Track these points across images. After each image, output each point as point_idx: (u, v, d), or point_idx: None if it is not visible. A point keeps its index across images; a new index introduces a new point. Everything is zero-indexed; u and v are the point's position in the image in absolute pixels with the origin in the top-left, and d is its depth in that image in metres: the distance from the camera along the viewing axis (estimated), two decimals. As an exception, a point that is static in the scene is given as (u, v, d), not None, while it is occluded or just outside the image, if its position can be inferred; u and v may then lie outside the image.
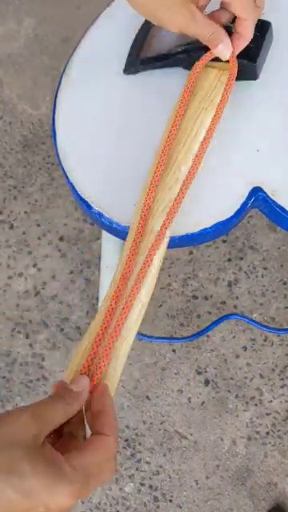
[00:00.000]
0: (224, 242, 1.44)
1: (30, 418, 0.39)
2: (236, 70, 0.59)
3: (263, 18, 0.62)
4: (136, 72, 0.66)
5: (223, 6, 0.57)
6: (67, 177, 0.63)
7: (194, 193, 0.59)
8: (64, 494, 0.37)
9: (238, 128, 0.62)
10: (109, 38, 0.69)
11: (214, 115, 0.58)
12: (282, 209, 0.59)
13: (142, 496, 1.29)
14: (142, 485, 1.30)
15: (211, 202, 0.59)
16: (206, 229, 0.59)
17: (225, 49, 0.57)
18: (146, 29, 0.67)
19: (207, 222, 0.59)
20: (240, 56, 0.60)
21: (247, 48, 0.60)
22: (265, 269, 1.42)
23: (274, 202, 0.59)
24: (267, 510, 1.27)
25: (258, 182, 0.60)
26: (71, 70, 0.69)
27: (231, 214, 0.59)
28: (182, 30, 0.55)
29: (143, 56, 0.66)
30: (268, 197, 0.59)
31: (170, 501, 1.29)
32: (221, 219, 0.59)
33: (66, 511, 0.38)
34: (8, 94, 1.64)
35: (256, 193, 0.59)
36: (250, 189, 0.59)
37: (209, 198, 0.59)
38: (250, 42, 0.60)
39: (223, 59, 0.58)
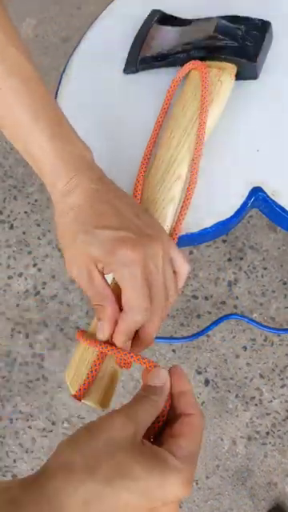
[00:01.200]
0: (224, 241, 1.44)
1: (125, 419, 0.39)
2: None
3: (264, 18, 0.62)
4: (136, 71, 0.67)
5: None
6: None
7: (193, 193, 0.59)
8: (177, 485, 0.38)
9: (238, 128, 0.62)
10: (109, 37, 0.69)
11: (201, 112, 0.58)
12: (282, 209, 0.59)
13: (141, 496, 1.29)
14: (142, 485, 1.30)
15: (211, 202, 0.59)
16: (206, 229, 0.59)
17: (99, 329, 0.49)
18: (146, 29, 0.67)
19: (207, 222, 0.59)
20: (240, 55, 0.60)
21: (247, 47, 0.60)
22: (265, 269, 1.42)
23: (273, 201, 0.59)
24: (267, 509, 1.27)
25: (257, 182, 0.60)
26: (71, 69, 0.69)
27: (231, 213, 0.59)
28: (77, 284, 0.50)
29: (143, 55, 0.66)
30: (268, 197, 0.59)
31: (170, 501, 1.29)
32: (221, 219, 0.59)
33: (182, 499, 0.39)
34: (8, 93, 1.64)
35: (256, 193, 0.59)
36: (250, 189, 0.59)
37: (209, 197, 0.59)
38: (250, 42, 0.60)
39: (98, 337, 0.50)
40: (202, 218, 0.58)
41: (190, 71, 0.62)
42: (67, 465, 0.37)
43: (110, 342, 0.50)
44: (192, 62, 0.61)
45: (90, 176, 0.49)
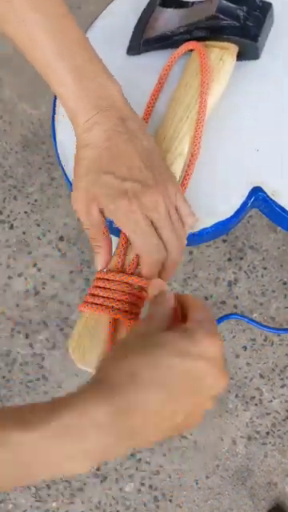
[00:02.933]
0: (224, 241, 1.44)
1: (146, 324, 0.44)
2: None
3: None
4: (139, 53, 0.67)
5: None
6: (67, 176, 0.63)
7: (193, 193, 0.59)
8: (206, 340, 0.43)
9: (238, 128, 0.62)
10: (108, 37, 0.69)
11: (201, 90, 0.59)
12: (282, 209, 0.59)
13: (141, 496, 1.30)
14: (142, 484, 1.30)
15: (211, 202, 0.59)
16: (205, 228, 0.59)
17: (95, 260, 0.54)
18: (149, 11, 0.67)
19: (207, 222, 0.59)
20: (241, 35, 0.61)
21: (248, 27, 0.61)
22: (265, 269, 1.42)
23: (273, 201, 0.59)
24: (267, 509, 1.27)
25: (257, 181, 0.60)
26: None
27: (231, 213, 0.59)
28: (76, 213, 0.54)
29: (146, 37, 0.66)
30: (268, 197, 0.59)
31: (170, 500, 1.29)
32: (221, 219, 0.59)
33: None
34: (8, 93, 1.64)
35: (256, 193, 0.59)
36: (249, 189, 0.59)
37: (209, 197, 0.59)
38: (252, 22, 0.61)
39: (96, 267, 0.55)
40: (201, 217, 0.58)
41: (192, 51, 0.62)
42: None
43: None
44: (188, 42, 0.62)
45: (111, 116, 0.51)
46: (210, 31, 0.62)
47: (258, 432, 1.31)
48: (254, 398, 1.33)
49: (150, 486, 1.30)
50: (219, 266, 1.42)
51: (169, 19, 0.65)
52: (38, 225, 1.49)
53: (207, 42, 0.62)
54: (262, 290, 1.40)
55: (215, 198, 0.59)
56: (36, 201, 1.51)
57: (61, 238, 1.47)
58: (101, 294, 0.52)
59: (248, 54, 0.62)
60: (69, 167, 0.63)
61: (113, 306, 0.51)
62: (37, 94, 1.63)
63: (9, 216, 1.50)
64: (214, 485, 1.29)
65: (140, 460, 1.31)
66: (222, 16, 0.61)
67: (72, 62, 0.50)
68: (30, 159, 1.55)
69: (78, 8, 1.69)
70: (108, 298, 0.51)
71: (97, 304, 0.52)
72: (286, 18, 0.65)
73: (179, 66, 0.63)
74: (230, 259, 1.43)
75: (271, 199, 0.59)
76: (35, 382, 1.38)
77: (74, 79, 0.50)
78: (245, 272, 1.42)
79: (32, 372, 1.38)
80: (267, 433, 1.31)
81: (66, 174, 0.63)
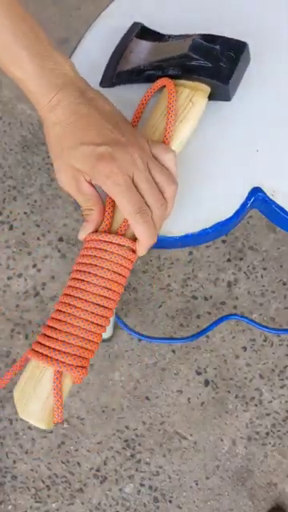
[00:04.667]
0: (224, 242, 1.44)
1: None
2: None
3: (241, 38, 0.60)
4: (112, 85, 0.65)
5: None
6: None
7: (193, 193, 0.59)
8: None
9: (238, 128, 0.62)
10: (108, 38, 0.69)
11: (165, 132, 0.57)
12: (282, 209, 0.59)
13: (141, 497, 1.29)
14: (142, 485, 1.30)
15: (211, 203, 0.59)
16: (205, 229, 0.59)
17: (83, 228, 0.55)
18: (125, 42, 0.65)
19: (207, 222, 0.59)
20: (212, 77, 0.59)
21: (220, 69, 0.59)
22: (264, 269, 1.42)
23: (273, 202, 0.59)
24: (267, 510, 1.27)
25: (257, 182, 0.60)
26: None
27: (231, 214, 0.59)
28: (67, 192, 0.55)
29: (120, 69, 0.65)
30: (267, 197, 0.59)
31: (170, 501, 1.29)
32: (220, 219, 0.59)
33: None
34: (7, 94, 1.64)
35: (255, 193, 0.59)
36: (249, 189, 0.59)
37: (208, 198, 0.59)
38: (224, 63, 0.59)
39: (79, 237, 0.56)
40: (201, 218, 0.58)
41: (163, 88, 0.61)
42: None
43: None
44: (162, 79, 0.60)
45: (72, 92, 0.53)
46: (182, 70, 0.60)
47: (257, 432, 1.31)
48: (253, 398, 1.33)
49: (150, 487, 1.30)
50: (219, 267, 1.42)
51: (143, 52, 0.64)
52: (38, 225, 1.49)
53: (179, 81, 0.60)
54: (261, 290, 1.40)
55: (215, 199, 0.59)
56: (35, 201, 1.51)
57: (60, 239, 1.47)
58: (48, 342, 0.51)
59: (219, 95, 0.61)
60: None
61: (58, 360, 0.50)
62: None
63: (8, 217, 1.50)
64: (214, 485, 1.29)
65: (140, 461, 1.31)
66: (194, 55, 0.59)
67: (28, 43, 0.52)
68: (30, 160, 1.56)
69: (77, 9, 1.69)
70: (54, 349, 0.50)
71: (44, 355, 0.51)
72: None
73: (152, 100, 0.62)
74: (229, 260, 1.43)
75: (271, 199, 0.59)
76: (35, 382, 1.37)
77: (32, 60, 0.52)
78: (244, 272, 1.42)
79: (32, 373, 1.38)
80: (267, 433, 1.31)
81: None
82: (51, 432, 1.34)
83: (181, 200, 0.57)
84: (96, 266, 0.52)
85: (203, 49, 0.59)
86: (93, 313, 0.51)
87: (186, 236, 0.59)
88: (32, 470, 1.32)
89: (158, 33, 0.65)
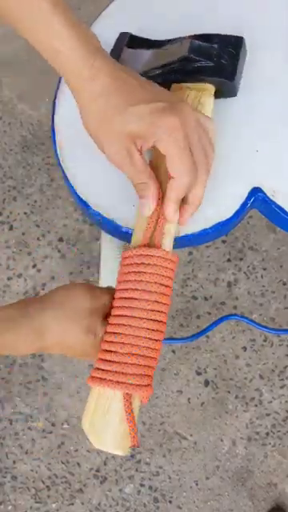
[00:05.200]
0: (224, 242, 1.44)
1: None
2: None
3: (235, 33, 0.60)
4: None
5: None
6: (66, 177, 0.63)
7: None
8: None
9: (238, 129, 0.62)
10: (107, 38, 0.69)
11: None
12: (282, 209, 0.59)
13: (141, 497, 1.29)
14: (142, 486, 1.30)
15: (211, 203, 0.59)
16: (205, 229, 0.59)
17: (144, 205, 0.53)
18: (117, 53, 0.64)
19: (207, 223, 0.59)
20: (217, 75, 0.59)
21: (223, 66, 0.58)
22: (264, 269, 1.42)
23: (273, 202, 0.59)
24: (267, 510, 1.27)
25: (257, 182, 0.60)
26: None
27: (231, 214, 0.59)
28: (117, 167, 0.53)
29: None
30: (267, 197, 0.59)
31: (170, 502, 1.29)
32: (220, 220, 0.59)
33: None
34: (7, 94, 1.64)
35: (255, 193, 0.59)
36: (249, 189, 0.59)
37: (208, 198, 0.59)
38: (226, 60, 0.59)
39: (141, 215, 0.54)
40: (201, 218, 0.58)
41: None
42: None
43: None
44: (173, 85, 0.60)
45: (108, 59, 0.52)
46: (184, 73, 0.59)
47: (257, 433, 1.31)
48: (253, 398, 1.33)
49: (150, 487, 1.30)
50: (219, 267, 1.42)
51: (139, 61, 0.62)
52: (38, 226, 1.49)
53: (183, 84, 0.60)
54: (261, 290, 1.40)
55: (215, 199, 0.59)
56: (35, 202, 1.51)
57: (60, 239, 1.47)
58: (110, 367, 0.50)
59: (225, 92, 0.61)
60: (69, 168, 0.63)
61: (125, 382, 0.49)
62: (36, 95, 1.63)
63: (8, 217, 1.50)
64: (214, 486, 1.29)
65: (140, 461, 1.31)
66: (194, 57, 0.59)
67: (65, 13, 0.50)
68: (30, 160, 1.56)
69: (77, 9, 1.69)
70: (117, 372, 0.49)
71: (108, 380, 0.49)
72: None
73: None
74: (229, 260, 1.43)
75: (271, 200, 0.59)
76: (35, 383, 1.38)
77: (69, 32, 0.50)
78: (244, 273, 1.42)
79: (32, 373, 1.38)
80: (267, 433, 1.31)
81: (65, 175, 0.63)
82: (51, 432, 1.34)
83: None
84: (142, 281, 0.51)
85: (202, 49, 0.59)
86: (148, 329, 0.50)
87: (186, 236, 0.59)
88: (32, 470, 1.32)
89: (149, 39, 0.64)
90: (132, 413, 0.49)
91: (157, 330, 0.50)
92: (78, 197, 0.62)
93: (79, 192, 0.62)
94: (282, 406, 1.32)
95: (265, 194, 0.59)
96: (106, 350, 0.50)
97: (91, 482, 1.31)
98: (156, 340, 0.50)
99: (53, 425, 1.35)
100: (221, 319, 1.26)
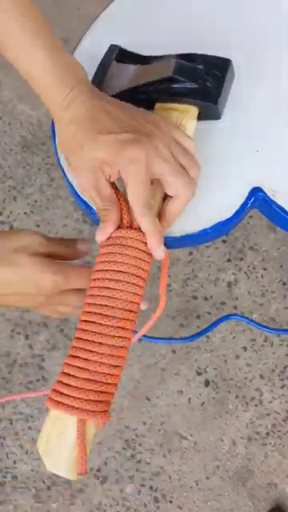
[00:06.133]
0: (224, 242, 1.44)
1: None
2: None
3: (223, 55, 0.59)
4: None
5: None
6: (67, 177, 0.63)
7: (193, 193, 0.59)
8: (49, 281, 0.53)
9: (238, 128, 0.62)
10: (108, 38, 0.69)
11: None
12: (282, 209, 0.59)
13: (142, 497, 1.29)
14: (143, 486, 1.30)
15: (211, 203, 0.59)
16: (205, 229, 0.59)
17: (101, 229, 0.53)
18: (105, 66, 0.63)
19: (207, 223, 0.59)
20: (201, 98, 0.58)
21: (207, 89, 0.58)
22: (264, 269, 1.42)
23: (273, 202, 0.59)
24: (267, 510, 1.27)
25: (257, 182, 0.60)
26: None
27: (231, 214, 0.59)
28: (85, 191, 0.54)
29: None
30: (268, 197, 0.59)
31: (170, 501, 1.29)
32: (221, 219, 0.59)
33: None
34: (7, 94, 1.64)
35: (256, 193, 0.59)
36: (249, 189, 0.59)
37: (208, 198, 0.59)
38: (210, 83, 0.58)
39: (96, 238, 0.54)
40: (201, 218, 0.58)
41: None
42: None
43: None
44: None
45: (85, 89, 0.54)
46: (168, 94, 0.59)
47: (258, 433, 1.31)
48: (254, 398, 1.33)
49: (151, 487, 1.30)
50: (219, 267, 1.42)
51: (125, 76, 0.61)
52: (38, 225, 1.49)
53: (166, 105, 0.59)
54: (261, 290, 1.40)
55: (215, 199, 0.59)
56: (36, 201, 1.51)
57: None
58: (66, 390, 0.49)
59: (209, 114, 0.60)
60: (69, 168, 0.63)
61: (80, 408, 0.48)
62: (36, 95, 1.63)
63: (9, 217, 1.50)
64: (214, 486, 1.29)
65: (140, 461, 1.31)
66: (179, 78, 0.58)
67: (43, 42, 0.53)
68: (30, 160, 1.56)
69: (77, 9, 1.69)
70: (74, 397, 0.48)
71: (64, 404, 0.48)
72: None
73: None
74: (229, 260, 1.43)
75: (271, 199, 0.59)
76: (35, 382, 1.38)
77: (47, 60, 0.53)
78: (245, 273, 1.42)
79: (32, 373, 1.38)
80: (267, 433, 1.31)
81: (65, 175, 0.63)
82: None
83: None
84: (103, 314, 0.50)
85: (188, 70, 0.58)
86: (109, 355, 0.49)
87: (186, 236, 0.59)
88: (32, 470, 1.32)
89: (137, 54, 0.63)
90: (84, 440, 0.48)
91: (118, 356, 0.50)
92: (79, 196, 0.62)
93: (79, 192, 0.62)
94: (282, 405, 1.32)
95: (265, 193, 0.59)
96: (65, 373, 0.50)
97: (92, 481, 1.31)
98: (117, 366, 0.50)
99: (53, 425, 1.34)
100: (221, 319, 1.26)
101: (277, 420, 1.31)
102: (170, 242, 0.59)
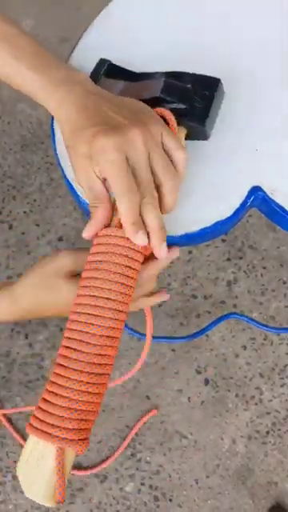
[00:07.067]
0: (223, 241, 1.44)
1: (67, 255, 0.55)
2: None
3: (213, 74, 0.58)
4: None
5: None
6: (66, 176, 0.63)
7: (193, 192, 0.59)
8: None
9: (238, 127, 0.62)
10: (107, 38, 0.69)
11: None
12: (281, 208, 0.59)
13: (142, 495, 1.30)
14: (143, 484, 1.30)
15: (210, 202, 0.59)
16: (205, 228, 0.59)
17: (88, 226, 0.52)
18: (95, 78, 0.62)
19: (206, 222, 0.59)
20: (188, 119, 0.57)
21: (195, 110, 0.56)
22: (264, 268, 1.42)
23: (273, 201, 0.59)
24: (267, 508, 1.27)
25: (257, 181, 0.60)
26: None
27: (230, 213, 0.59)
28: (82, 188, 0.54)
29: None
30: (267, 196, 0.59)
31: (170, 500, 1.29)
32: (220, 218, 0.59)
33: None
34: (7, 94, 1.64)
35: (255, 192, 0.59)
36: (249, 188, 0.59)
37: (208, 197, 0.59)
38: (199, 103, 0.57)
39: (83, 234, 0.53)
40: (201, 217, 0.58)
41: None
42: None
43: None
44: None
45: (76, 90, 0.55)
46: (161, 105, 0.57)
47: (258, 431, 1.31)
48: (253, 397, 1.33)
49: (151, 486, 1.30)
50: (218, 266, 1.42)
51: (114, 92, 0.59)
52: (37, 225, 1.49)
53: None
54: (261, 289, 1.40)
55: (214, 198, 0.59)
56: (35, 201, 1.51)
57: (60, 238, 1.47)
58: (45, 417, 0.48)
59: (196, 135, 0.59)
60: (68, 167, 0.63)
61: (59, 436, 0.47)
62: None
63: (8, 216, 1.50)
64: (215, 484, 1.29)
65: (140, 460, 1.31)
66: (167, 97, 0.56)
67: (26, 61, 0.57)
68: (29, 159, 1.55)
69: (77, 9, 1.69)
70: (53, 425, 0.47)
71: (43, 431, 0.48)
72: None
73: None
74: (229, 259, 1.43)
75: (270, 198, 0.59)
76: (35, 382, 1.38)
77: (34, 73, 0.56)
78: (244, 271, 1.42)
79: (31, 372, 1.38)
80: (267, 432, 1.31)
81: (65, 174, 0.63)
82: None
83: (180, 199, 0.57)
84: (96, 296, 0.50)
85: (176, 89, 0.57)
86: (88, 383, 0.48)
87: (186, 235, 0.59)
88: (32, 469, 1.32)
89: (127, 70, 0.63)
90: (63, 467, 0.48)
91: (98, 384, 0.49)
92: (78, 196, 0.62)
93: (79, 191, 0.62)
94: (282, 404, 1.32)
95: (264, 192, 0.59)
96: (45, 400, 0.49)
97: (92, 480, 1.31)
98: (97, 393, 0.49)
99: (53, 424, 1.35)
100: (221, 318, 1.26)
101: (277, 419, 1.32)
102: (169, 241, 0.59)
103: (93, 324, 0.49)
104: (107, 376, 0.50)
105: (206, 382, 1.35)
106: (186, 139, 0.58)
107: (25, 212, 1.50)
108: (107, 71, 0.63)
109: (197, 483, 1.29)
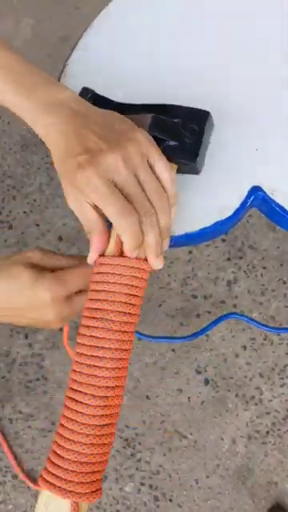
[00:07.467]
0: (223, 241, 1.44)
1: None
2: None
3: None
4: None
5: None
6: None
7: (192, 192, 0.59)
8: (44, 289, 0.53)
9: (238, 127, 0.62)
10: (106, 38, 0.69)
11: None
12: (281, 208, 0.59)
13: (142, 495, 1.29)
14: (142, 484, 1.30)
15: (210, 201, 0.59)
16: (205, 228, 0.59)
17: (90, 253, 0.53)
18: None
19: (206, 221, 0.59)
20: (179, 156, 0.56)
21: (185, 146, 0.55)
22: (264, 268, 1.42)
23: (273, 201, 0.59)
24: (267, 508, 1.27)
25: (257, 181, 0.60)
26: (69, 69, 0.69)
27: (230, 213, 0.59)
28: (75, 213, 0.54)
29: None
30: (267, 196, 0.59)
31: (170, 500, 1.29)
32: (220, 218, 0.59)
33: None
34: (6, 93, 1.64)
35: (255, 192, 0.59)
36: (249, 188, 0.59)
37: (208, 197, 0.59)
38: (189, 139, 0.55)
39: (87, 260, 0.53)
40: (201, 217, 0.58)
41: None
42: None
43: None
44: None
45: (61, 114, 0.54)
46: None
47: (258, 431, 1.31)
48: (253, 397, 1.33)
49: (150, 486, 1.30)
50: (218, 266, 1.42)
51: None
52: (37, 225, 1.49)
53: None
54: (261, 289, 1.40)
55: (214, 198, 0.59)
56: (35, 201, 1.51)
57: (60, 238, 1.47)
58: (57, 472, 0.47)
59: (187, 170, 0.58)
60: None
61: (73, 491, 0.47)
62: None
63: (8, 216, 1.50)
64: (214, 484, 1.29)
65: (140, 460, 1.31)
66: (156, 134, 0.55)
67: (10, 84, 0.57)
68: (29, 159, 1.55)
69: (76, 8, 1.69)
70: (66, 480, 0.47)
71: (57, 486, 0.47)
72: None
73: None
74: (229, 259, 1.43)
75: (270, 198, 0.59)
76: (35, 382, 1.38)
77: (16, 96, 0.57)
78: (244, 271, 1.42)
79: (31, 372, 1.38)
80: (267, 432, 1.31)
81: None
82: (51, 431, 1.34)
83: (180, 199, 0.57)
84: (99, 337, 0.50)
85: (164, 125, 0.55)
86: (96, 435, 0.48)
87: (186, 235, 0.59)
88: (33, 469, 1.32)
89: (111, 100, 0.61)
90: None
91: (106, 435, 0.48)
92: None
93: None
94: (282, 404, 1.32)
95: (264, 192, 0.59)
96: (55, 453, 0.49)
97: (91, 480, 1.31)
98: (105, 444, 0.48)
99: (53, 424, 1.35)
100: (221, 318, 1.26)
101: (277, 419, 1.32)
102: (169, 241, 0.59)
103: (97, 376, 0.49)
104: (114, 425, 0.49)
105: (206, 381, 1.35)
106: (177, 172, 0.57)
107: (25, 212, 1.50)
108: (90, 101, 0.60)
109: (197, 483, 1.29)
